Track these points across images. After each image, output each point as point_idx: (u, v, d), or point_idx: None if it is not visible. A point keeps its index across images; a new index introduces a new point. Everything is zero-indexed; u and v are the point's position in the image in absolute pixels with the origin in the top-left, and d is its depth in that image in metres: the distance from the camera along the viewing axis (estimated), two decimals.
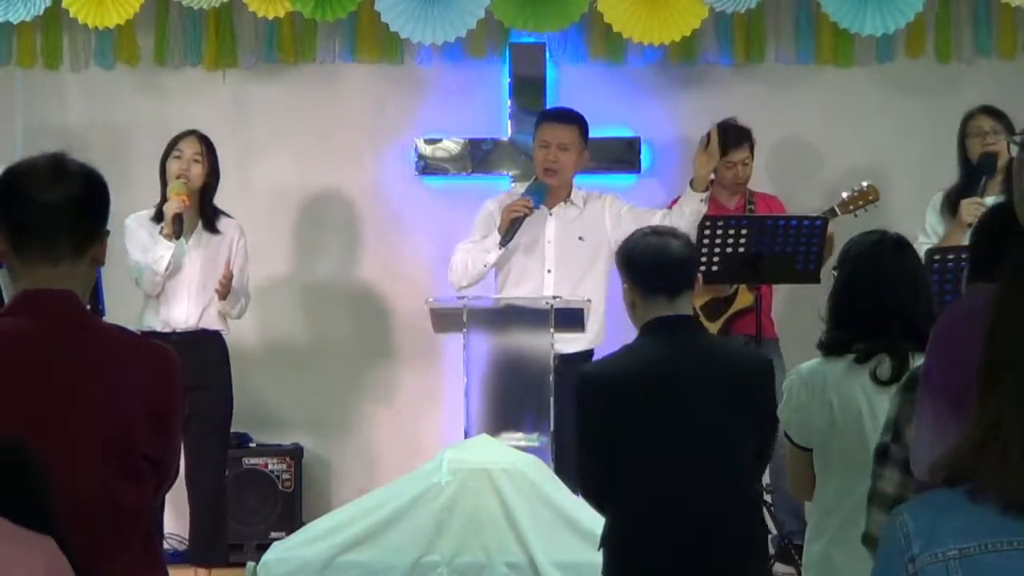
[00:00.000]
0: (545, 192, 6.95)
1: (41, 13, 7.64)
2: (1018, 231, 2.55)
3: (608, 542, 4.33)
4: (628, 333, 4.49)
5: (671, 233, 4.51)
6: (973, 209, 6.65)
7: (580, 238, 7.01)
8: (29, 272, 3.03)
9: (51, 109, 8.01)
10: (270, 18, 7.67)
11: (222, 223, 6.99)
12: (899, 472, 3.16)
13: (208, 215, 6.96)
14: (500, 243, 6.86)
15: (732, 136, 7.46)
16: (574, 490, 6.24)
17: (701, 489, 4.23)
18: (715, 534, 4.24)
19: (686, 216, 6.82)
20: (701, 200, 6.95)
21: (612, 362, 4.40)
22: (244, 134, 8.08)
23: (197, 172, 6.88)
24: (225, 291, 6.80)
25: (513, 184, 7.12)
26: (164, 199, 6.86)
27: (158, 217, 6.84)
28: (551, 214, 7.03)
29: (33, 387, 2.96)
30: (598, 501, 4.37)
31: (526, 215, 6.84)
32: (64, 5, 7.56)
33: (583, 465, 4.39)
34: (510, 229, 6.84)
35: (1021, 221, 2.46)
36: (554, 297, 6.64)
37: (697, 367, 4.29)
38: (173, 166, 6.88)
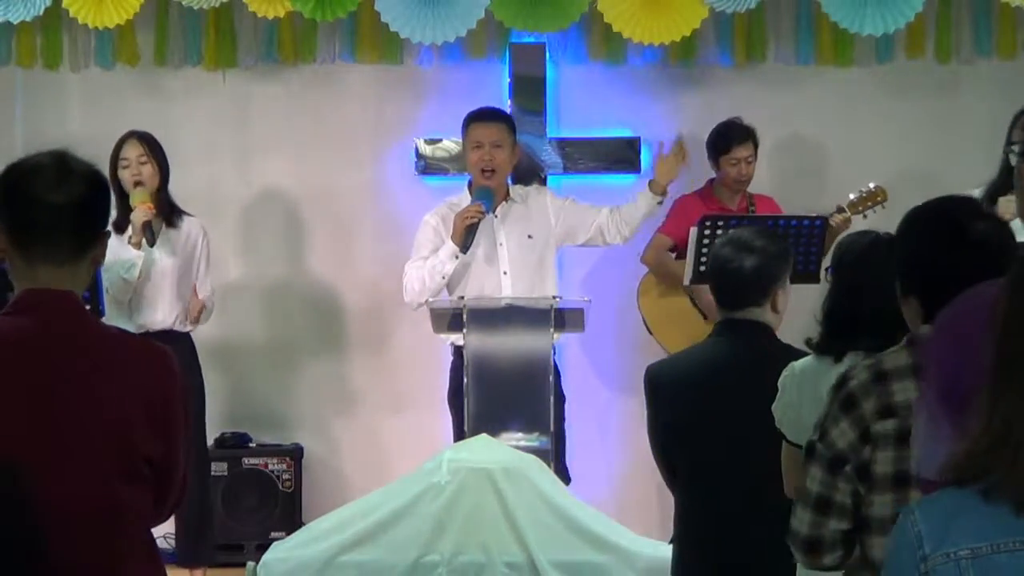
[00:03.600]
0: (492, 196, 6.96)
1: (41, 13, 7.63)
2: None
3: (675, 523, 4.73)
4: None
5: (747, 247, 4.58)
6: (1012, 207, 6.59)
7: (529, 236, 7.04)
8: (31, 271, 3.02)
9: (51, 109, 7.99)
10: (270, 18, 7.66)
11: (184, 221, 6.99)
12: (823, 471, 3.17)
13: (167, 213, 6.94)
14: (461, 250, 6.84)
15: (737, 133, 7.46)
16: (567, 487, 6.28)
17: (743, 486, 4.45)
18: (749, 532, 4.43)
19: (640, 214, 7.15)
20: (658, 203, 7.25)
21: (675, 359, 4.82)
22: (244, 134, 8.07)
23: (149, 173, 6.85)
24: (197, 319, 6.93)
25: (449, 198, 7.10)
26: (121, 209, 6.73)
27: (118, 228, 6.68)
28: (496, 216, 7.03)
29: (34, 387, 2.96)
30: (670, 486, 4.73)
31: (480, 220, 6.85)
32: (64, 5, 7.55)
33: (654, 454, 4.73)
34: (467, 236, 6.84)
35: None
36: (555, 297, 6.63)
37: (748, 368, 4.49)
38: (125, 175, 6.83)
